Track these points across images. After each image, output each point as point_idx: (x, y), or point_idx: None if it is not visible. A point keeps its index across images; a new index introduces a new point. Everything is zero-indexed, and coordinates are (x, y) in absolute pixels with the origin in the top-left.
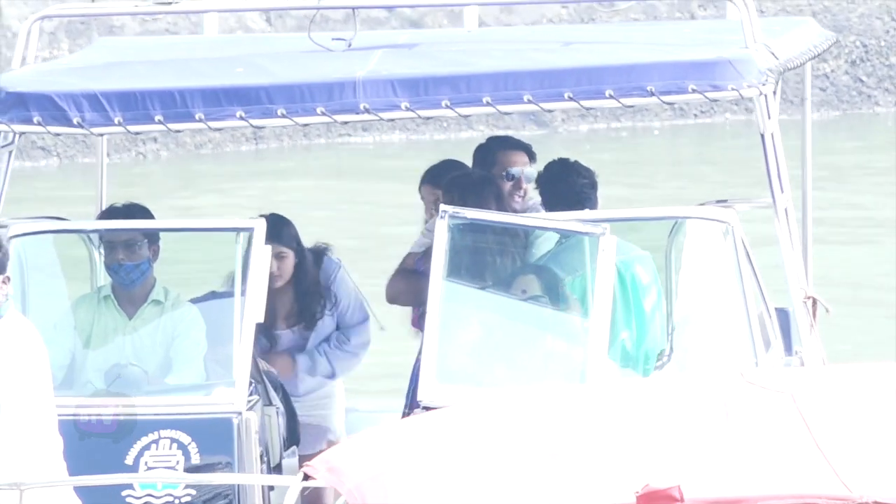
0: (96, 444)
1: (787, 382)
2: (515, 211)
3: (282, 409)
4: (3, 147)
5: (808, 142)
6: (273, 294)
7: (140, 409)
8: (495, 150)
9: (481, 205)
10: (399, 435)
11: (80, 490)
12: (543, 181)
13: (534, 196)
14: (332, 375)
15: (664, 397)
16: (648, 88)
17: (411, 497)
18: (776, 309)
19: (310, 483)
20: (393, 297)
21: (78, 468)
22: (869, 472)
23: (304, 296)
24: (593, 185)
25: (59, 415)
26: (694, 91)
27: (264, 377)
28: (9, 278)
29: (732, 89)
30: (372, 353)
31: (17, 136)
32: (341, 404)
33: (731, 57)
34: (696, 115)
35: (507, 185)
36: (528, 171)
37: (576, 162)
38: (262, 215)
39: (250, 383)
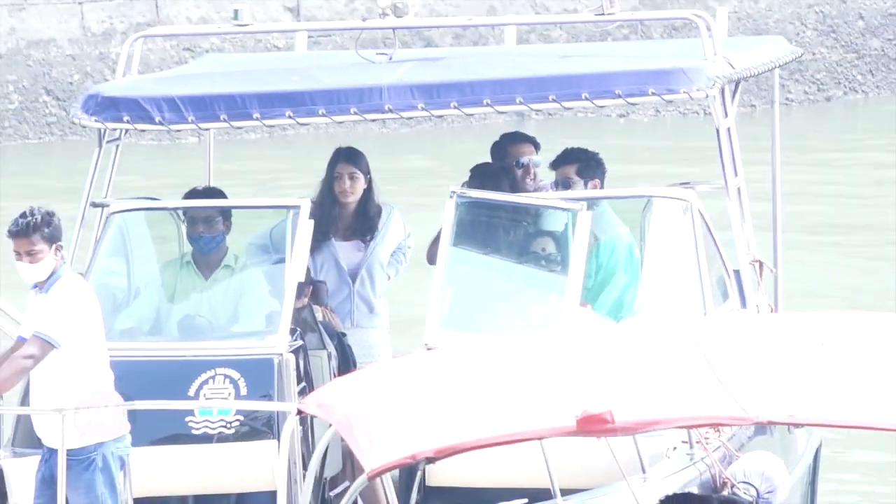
0: (168, 379)
1: (691, 330)
2: (528, 192)
3: (334, 353)
4: (111, 141)
5: (776, 134)
6: (340, 209)
7: (202, 352)
8: (506, 144)
9: (498, 188)
10: (381, 375)
11: (150, 419)
12: (577, 161)
13: (544, 178)
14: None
15: (598, 342)
16: (616, 91)
17: (390, 422)
18: (735, 271)
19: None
20: (431, 259)
21: (151, 399)
22: (761, 399)
23: (365, 215)
24: (599, 163)
25: (144, 356)
26: (653, 94)
27: (319, 326)
28: (62, 246)
29: (684, 92)
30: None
31: (124, 132)
32: (387, 349)
33: (684, 66)
34: (683, 114)
35: (519, 172)
36: (535, 158)
37: (585, 149)
38: (340, 147)
39: (294, 331)
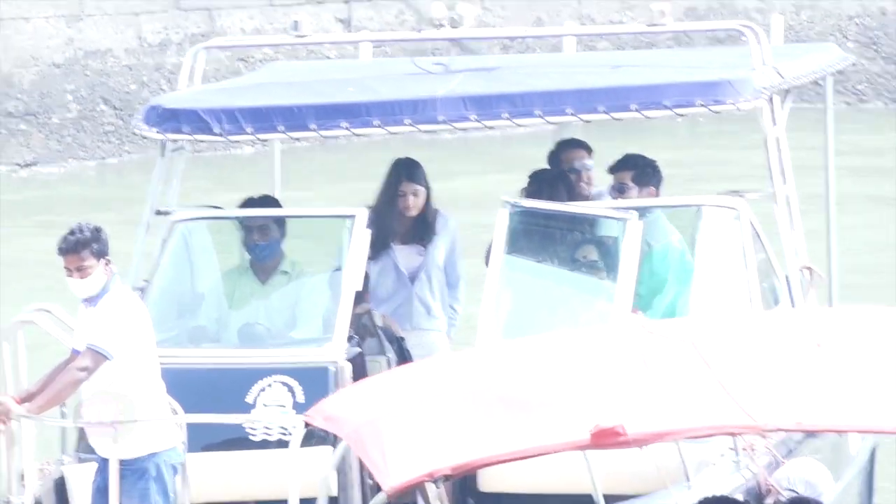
0: (226, 386)
1: (687, 332)
2: (585, 197)
3: (394, 358)
4: (175, 151)
5: (829, 141)
6: (401, 219)
7: (260, 359)
8: (560, 152)
9: (554, 194)
10: (389, 384)
11: (207, 425)
12: (633, 168)
13: (599, 185)
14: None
15: (593, 350)
16: (665, 103)
17: (403, 436)
18: (785, 277)
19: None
20: (488, 262)
21: (208, 406)
22: (768, 406)
23: (424, 222)
24: (655, 170)
25: (205, 363)
26: (701, 105)
27: (379, 331)
28: (110, 260)
29: (731, 103)
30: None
31: (187, 141)
32: (446, 352)
33: (732, 77)
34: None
35: (573, 177)
36: (588, 162)
37: (643, 155)
38: (399, 159)
39: (352, 337)
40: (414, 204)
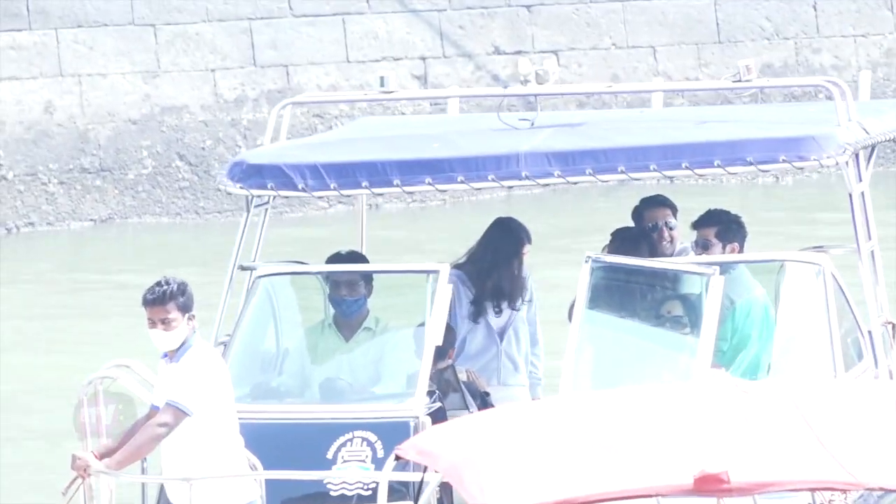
0: (307, 441)
1: (787, 391)
2: (668, 255)
3: (477, 412)
4: (259, 206)
5: None
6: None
7: (341, 414)
8: (643, 209)
9: (636, 253)
10: (485, 423)
11: (288, 480)
12: (717, 224)
13: (685, 241)
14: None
15: (713, 402)
16: (748, 159)
17: (501, 475)
18: (868, 332)
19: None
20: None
21: (289, 460)
22: (869, 465)
23: (521, 282)
24: (740, 226)
25: (287, 418)
26: (784, 161)
27: (462, 386)
28: (194, 315)
29: (814, 159)
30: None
31: (273, 197)
32: None
33: (815, 134)
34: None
35: (655, 236)
36: (671, 220)
37: (727, 211)
38: (511, 220)
39: (433, 393)
40: (525, 264)
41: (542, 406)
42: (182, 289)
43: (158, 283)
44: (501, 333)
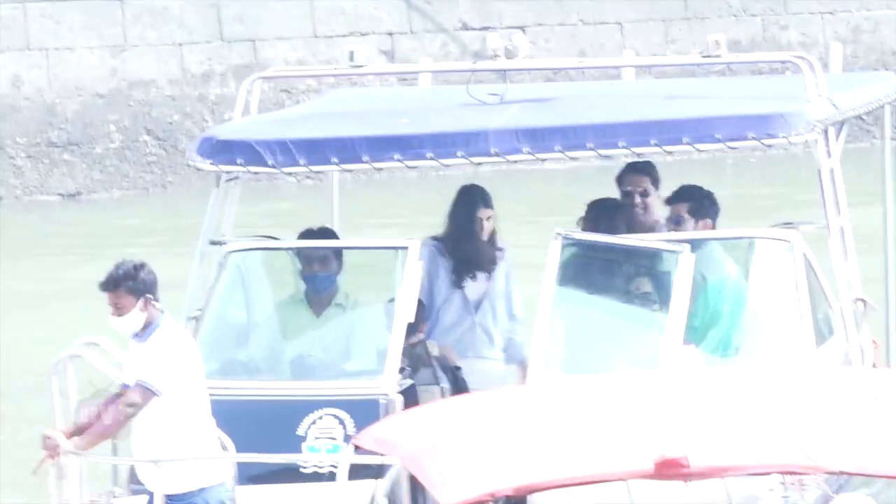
0: (278, 418)
1: (747, 376)
2: (645, 226)
3: (448, 388)
4: (229, 181)
5: (887, 171)
6: (473, 246)
7: (311, 391)
8: (624, 175)
9: (613, 224)
10: (444, 412)
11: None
12: (690, 200)
13: (658, 214)
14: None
15: (674, 387)
16: (717, 136)
17: (464, 457)
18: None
19: (359, 457)
20: None
21: (260, 438)
22: (829, 449)
23: (493, 250)
24: (713, 202)
25: (257, 395)
26: (753, 139)
27: (433, 361)
28: (150, 297)
29: (783, 137)
30: None
31: (244, 173)
32: (506, 381)
33: (784, 111)
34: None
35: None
36: (648, 188)
37: (700, 187)
38: (470, 186)
39: (403, 369)
40: (488, 229)
41: (501, 394)
42: (132, 273)
43: (113, 268)
44: (477, 305)
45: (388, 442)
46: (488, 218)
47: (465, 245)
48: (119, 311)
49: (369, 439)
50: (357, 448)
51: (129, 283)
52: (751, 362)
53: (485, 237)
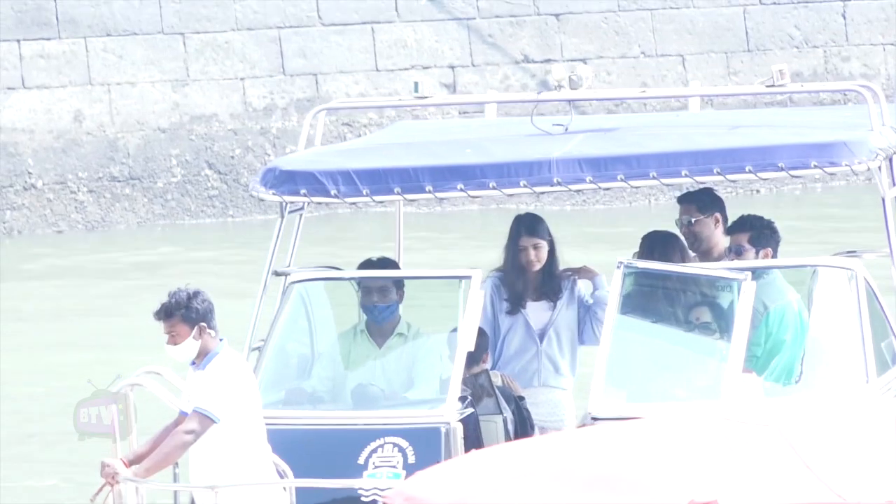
0: (339, 447)
1: (773, 417)
2: (695, 252)
3: (510, 417)
4: (293, 212)
5: None
6: (528, 275)
7: (372, 420)
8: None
9: (666, 256)
10: (474, 466)
11: (315, 486)
12: (751, 229)
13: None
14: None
15: (681, 435)
16: (779, 165)
17: None
18: None
19: None
20: None
21: (320, 467)
22: (856, 485)
23: (551, 276)
24: (773, 231)
25: (319, 424)
26: (815, 167)
27: (496, 390)
28: (205, 325)
29: (846, 165)
30: None
31: (307, 203)
32: (571, 411)
33: (847, 139)
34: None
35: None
36: (694, 216)
37: (760, 217)
38: (519, 214)
39: (465, 398)
40: (536, 258)
41: (535, 445)
42: (186, 302)
43: (167, 297)
44: (542, 334)
45: (418, 499)
46: (535, 246)
47: (513, 275)
48: (174, 339)
49: (398, 497)
50: None
51: (182, 312)
52: (811, 392)
53: (535, 266)
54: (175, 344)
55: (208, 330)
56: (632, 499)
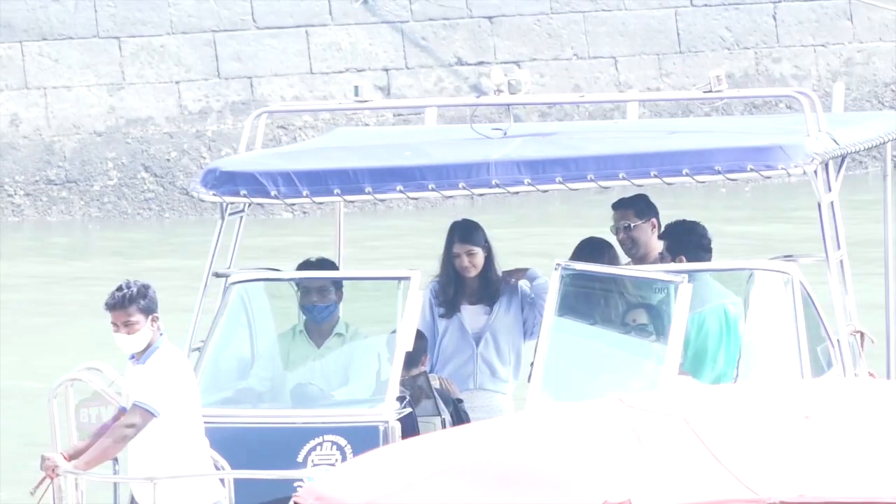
0: (278, 445)
1: (677, 407)
2: (630, 258)
3: (449, 419)
4: (233, 214)
5: (888, 206)
6: (464, 280)
7: (311, 419)
8: (613, 210)
9: (595, 262)
10: (383, 462)
11: (256, 485)
12: (673, 234)
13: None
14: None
15: (586, 429)
16: (716, 168)
17: None
18: (837, 341)
19: None
20: None
21: (259, 464)
22: (769, 479)
23: (488, 282)
24: (709, 241)
25: (258, 422)
26: (752, 170)
27: (434, 393)
28: (157, 317)
29: (782, 168)
30: None
31: (248, 204)
32: (510, 413)
33: (783, 143)
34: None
35: (619, 238)
36: (632, 222)
37: (694, 222)
38: (455, 221)
39: (403, 398)
40: (471, 264)
41: (436, 439)
42: (143, 292)
43: (119, 288)
44: (477, 337)
45: (328, 498)
46: (469, 253)
47: (447, 280)
48: (130, 328)
49: (310, 496)
50: None
51: (140, 302)
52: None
53: (469, 272)
54: (130, 333)
55: (157, 322)
56: (546, 499)
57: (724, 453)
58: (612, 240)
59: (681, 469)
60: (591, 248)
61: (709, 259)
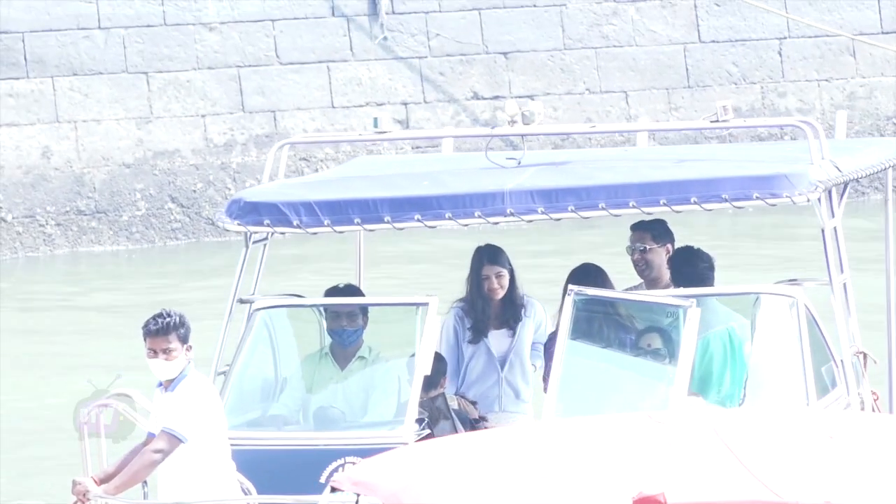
0: (301, 467)
1: (707, 420)
2: (644, 279)
3: None
4: (259, 241)
5: (889, 232)
6: (491, 303)
7: (333, 441)
8: (631, 232)
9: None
10: (419, 454)
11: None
12: (673, 263)
13: (663, 270)
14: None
15: (627, 432)
16: (723, 196)
17: (442, 500)
18: (841, 361)
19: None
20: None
21: (283, 486)
22: (795, 485)
23: (512, 304)
24: (711, 268)
25: (282, 445)
26: (757, 198)
27: (452, 413)
28: (191, 346)
29: (787, 196)
30: None
31: (271, 234)
32: None
33: (788, 172)
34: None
35: (635, 258)
36: (647, 244)
37: (699, 249)
38: (480, 245)
39: (422, 420)
40: (499, 285)
41: (481, 436)
42: (183, 320)
43: (161, 315)
44: (503, 360)
45: (364, 483)
46: (497, 275)
47: (476, 303)
48: (168, 355)
49: (346, 482)
50: (333, 489)
51: (180, 331)
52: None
53: (498, 294)
54: (170, 360)
55: (190, 352)
56: (582, 490)
57: (751, 461)
58: (605, 264)
59: (709, 472)
60: (585, 274)
61: (709, 285)
